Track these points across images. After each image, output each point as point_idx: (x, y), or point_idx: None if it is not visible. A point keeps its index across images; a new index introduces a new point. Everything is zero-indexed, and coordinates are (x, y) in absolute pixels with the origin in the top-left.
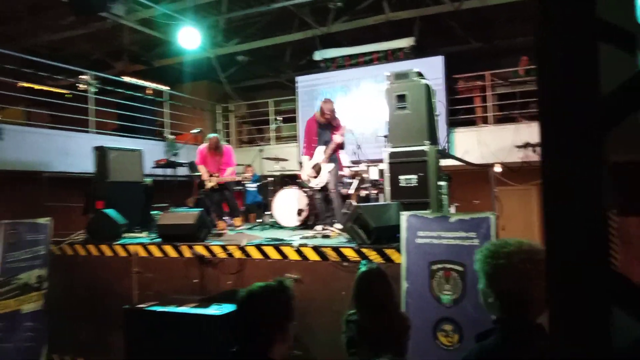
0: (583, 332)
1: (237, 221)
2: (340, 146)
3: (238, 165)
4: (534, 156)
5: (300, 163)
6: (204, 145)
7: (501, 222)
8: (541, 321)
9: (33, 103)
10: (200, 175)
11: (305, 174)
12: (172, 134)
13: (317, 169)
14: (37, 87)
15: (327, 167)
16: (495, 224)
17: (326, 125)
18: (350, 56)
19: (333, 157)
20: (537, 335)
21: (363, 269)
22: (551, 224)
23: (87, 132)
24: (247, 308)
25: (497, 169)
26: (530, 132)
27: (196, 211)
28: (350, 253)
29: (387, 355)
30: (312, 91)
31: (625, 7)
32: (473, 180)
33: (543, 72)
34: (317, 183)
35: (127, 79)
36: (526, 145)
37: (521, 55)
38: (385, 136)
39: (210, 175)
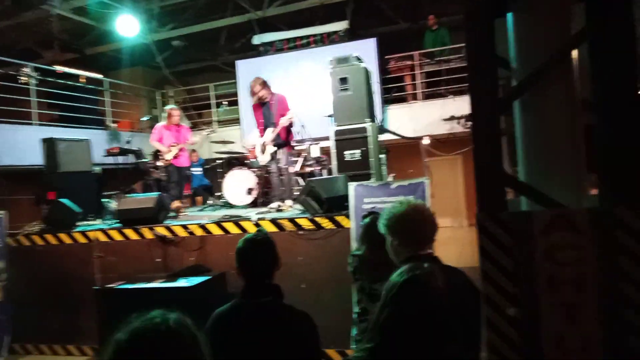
0: (492, 203)
1: (175, 203)
2: (288, 129)
3: None
4: (458, 127)
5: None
6: (160, 123)
7: (430, 189)
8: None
9: None
10: (146, 162)
11: (257, 150)
12: (113, 122)
13: (263, 148)
14: None
15: (272, 149)
16: (429, 188)
17: (267, 106)
18: (288, 40)
19: (280, 142)
20: (435, 261)
21: (367, 220)
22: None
23: (30, 124)
24: (249, 251)
25: (426, 141)
26: (455, 106)
27: (155, 195)
28: (305, 222)
29: (384, 281)
30: (252, 75)
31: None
32: (407, 152)
33: (473, 80)
34: (262, 160)
35: (59, 68)
36: (452, 118)
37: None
38: (330, 115)
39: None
